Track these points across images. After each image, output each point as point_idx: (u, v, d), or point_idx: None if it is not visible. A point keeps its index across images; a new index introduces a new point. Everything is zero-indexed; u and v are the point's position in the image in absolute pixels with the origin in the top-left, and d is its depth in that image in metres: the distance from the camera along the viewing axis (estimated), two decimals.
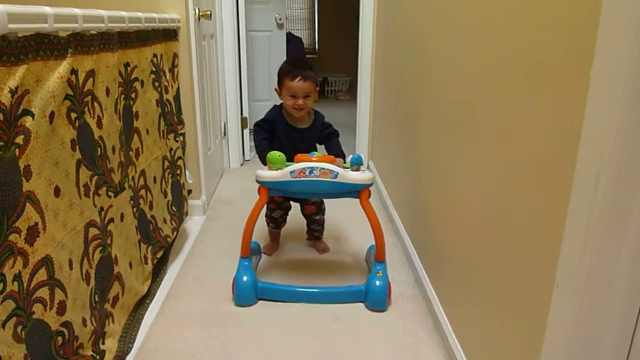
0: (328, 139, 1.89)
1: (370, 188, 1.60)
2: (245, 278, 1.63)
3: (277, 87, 1.81)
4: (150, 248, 1.72)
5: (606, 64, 0.69)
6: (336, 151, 1.83)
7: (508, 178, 1.03)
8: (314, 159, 1.56)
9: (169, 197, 1.98)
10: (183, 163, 2.12)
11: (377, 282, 1.61)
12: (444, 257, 1.51)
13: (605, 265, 0.75)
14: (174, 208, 2.01)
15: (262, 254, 2.00)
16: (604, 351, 0.80)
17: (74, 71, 1.13)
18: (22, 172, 0.94)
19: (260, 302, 1.67)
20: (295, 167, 1.52)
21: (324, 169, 1.51)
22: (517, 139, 0.99)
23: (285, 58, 4.12)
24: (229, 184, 2.95)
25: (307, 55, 6.08)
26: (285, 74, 1.75)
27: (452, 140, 1.43)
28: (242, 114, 3.29)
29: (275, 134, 1.83)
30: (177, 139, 2.04)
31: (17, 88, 0.91)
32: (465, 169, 1.31)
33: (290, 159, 1.60)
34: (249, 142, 3.41)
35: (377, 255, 1.66)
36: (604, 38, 0.69)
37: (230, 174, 3.17)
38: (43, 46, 1.00)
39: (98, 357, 1.25)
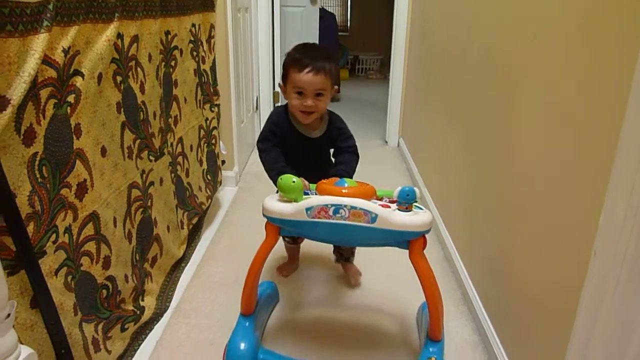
0: (339, 152, 1.42)
1: (426, 235, 1.09)
2: (242, 346, 1.19)
3: (281, 83, 1.36)
4: (186, 214, 1.77)
5: None
6: (341, 171, 1.34)
7: (551, 146, 1.03)
8: (343, 190, 1.08)
9: (204, 165, 2.02)
10: (218, 133, 2.16)
11: None
12: (481, 241, 1.51)
13: None
14: (208, 176, 2.06)
15: (279, 299, 1.53)
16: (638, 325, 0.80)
17: (119, 35, 1.17)
18: (73, 130, 0.99)
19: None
20: (313, 203, 1.05)
21: (355, 208, 1.02)
22: (563, 109, 0.98)
23: (317, 34, 4.11)
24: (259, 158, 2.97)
25: (339, 33, 6.01)
26: (291, 63, 1.29)
27: (489, 114, 1.42)
28: (274, 89, 3.31)
29: (282, 144, 1.39)
30: (212, 109, 2.07)
31: (69, 48, 0.94)
32: (506, 138, 1.30)
33: (305, 172, 1.23)
34: None
35: (430, 332, 1.18)
36: None
37: None
38: (92, 9, 1.04)
39: (138, 312, 1.31)
